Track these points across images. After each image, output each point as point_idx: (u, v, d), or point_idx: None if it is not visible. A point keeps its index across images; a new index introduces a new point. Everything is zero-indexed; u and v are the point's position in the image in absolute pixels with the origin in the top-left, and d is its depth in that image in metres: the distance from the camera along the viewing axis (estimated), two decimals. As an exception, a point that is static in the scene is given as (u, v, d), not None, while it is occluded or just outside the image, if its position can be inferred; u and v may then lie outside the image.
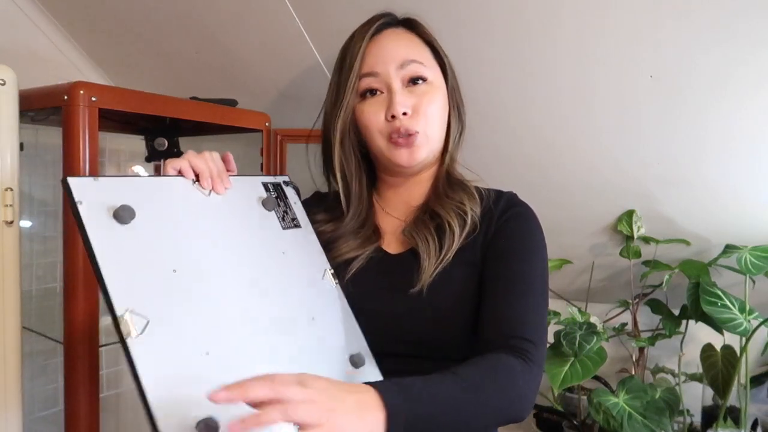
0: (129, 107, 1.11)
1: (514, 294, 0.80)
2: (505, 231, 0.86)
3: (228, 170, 0.82)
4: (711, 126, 1.14)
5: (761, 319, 1.24)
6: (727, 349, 1.34)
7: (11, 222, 1.00)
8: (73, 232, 1.01)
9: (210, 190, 0.73)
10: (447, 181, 0.92)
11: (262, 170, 1.41)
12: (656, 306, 1.48)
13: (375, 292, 0.86)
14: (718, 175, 1.22)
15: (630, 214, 1.37)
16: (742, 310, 1.27)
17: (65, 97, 1.01)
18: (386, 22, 0.90)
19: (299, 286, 0.76)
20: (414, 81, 0.86)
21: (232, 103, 1.38)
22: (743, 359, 1.28)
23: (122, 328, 0.57)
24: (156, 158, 1.52)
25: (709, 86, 1.07)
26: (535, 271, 0.83)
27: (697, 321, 1.35)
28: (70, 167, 1.01)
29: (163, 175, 0.72)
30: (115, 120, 1.37)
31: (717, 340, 1.36)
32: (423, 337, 0.83)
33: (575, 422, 1.48)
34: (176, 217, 0.67)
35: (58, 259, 1.33)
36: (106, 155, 1.44)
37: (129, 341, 0.57)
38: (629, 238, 1.39)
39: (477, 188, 0.91)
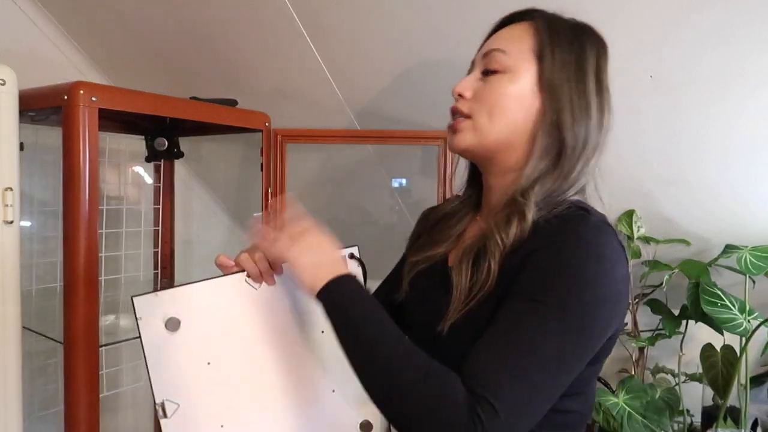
0: (129, 107, 1.11)
1: (496, 341, 0.64)
2: (532, 260, 0.68)
3: None
4: (711, 126, 1.14)
5: (761, 319, 1.24)
6: (727, 349, 1.34)
7: (11, 222, 1.00)
8: (72, 232, 1.02)
9: (260, 284, 0.83)
10: (516, 199, 0.75)
11: (262, 170, 1.41)
12: (656, 306, 1.48)
13: (417, 308, 0.85)
14: (718, 175, 1.22)
15: (630, 214, 1.37)
16: (742, 310, 1.27)
17: (65, 97, 1.01)
18: (519, 16, 0.83)
19: (327, 361, 0.85)
20: (486, 72, 0.79)
21: (232, 103, 1.38)
22: (743, 359, 1.28)
23: (158, 411, 0.77)
24: (156, 158, 1.52)
25: (709, 86, 1.07)
26: (548, 320, 0.63)
27: (697, 321, 1.35)
28: (70, 167, 1.01)
29: (223, 275, 0.84)
30: (115, 120, 1.37)
31: (717, 340, 1.36)
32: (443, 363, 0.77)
33: (575, 422, 1.48)
34: (219, 315, 0.82)
35: (58, 259, 1.33)
36: (106, 155, 1.44)
37: (162, 421, 0.77)
38: (629, 238, 1.39)
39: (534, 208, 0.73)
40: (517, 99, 0.77)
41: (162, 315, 0.78)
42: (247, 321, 0.83)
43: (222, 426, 0.80)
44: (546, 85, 0.76)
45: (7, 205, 0.99)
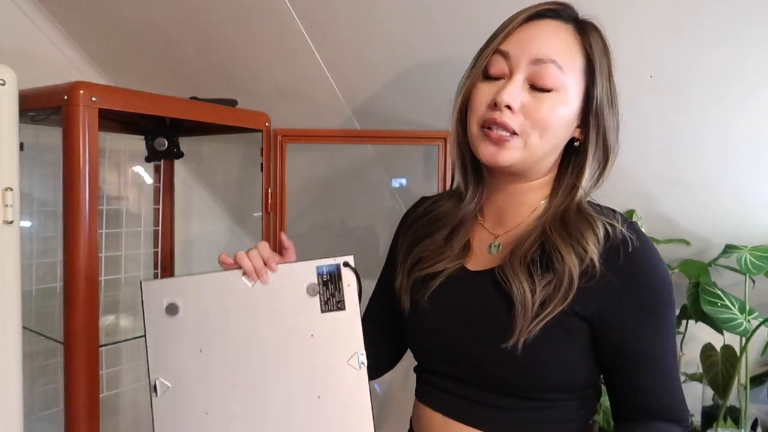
0: (129, 107, 1.11)
1: (660, 376, 0.77)
2: (635, 297, 0.74)
3: (284, 248, 0.91)
4: (712, 126, 1.14)
5: (761, 319, 1.24)
6: (727, 349, 1.34)
7: (11, 222, 1.00)
8: (72, 232, 1.02)
9: (255, 281, 0.86)
10: (576, 213, 0.79)
11: (261, 170, 1.41)
12: (656, 306, 1.48)
13: (455, 322, 0.83)
14: (719, 175, 1.22)
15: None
16: (742, 310, 1.27)
17: (65, 97, 1.01)
18: (557, 11, 0.79)
19: (315, 367, 0.86)
20: (540, 88, 0.76)
21: (232, 103, 1.38)
22: (743, 359, 1.28)
23: (150, 389, 0.84)
24: (156, 158, 1.52)
25: (710, 86, 1.07)
26: (669, 341, 0.78)
27: (697, 321, 1.35)
28: (70, 167, 1.01)
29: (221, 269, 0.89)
30: (115, 120, 1.37)
31: (717, 340, 1.36)
32: (503, 381, 0.78)
33: (575, 422, 1.48)
34: (215, 307, 0.87)
35: (58, 259, 1.33)
36: (106, 155, 1.44)
37: (154, 400, 0.84)
38: (629, 238, 1.39)
39: (604, 222, 0.77)
40: (567, 120, 0.78)
41: (164, 300, 0.85)
42: (239, 315, 0.87)
43: (207, 413, 0.85)
44: (594, 110, 0.78)
45: (7, 205, 0.99)
